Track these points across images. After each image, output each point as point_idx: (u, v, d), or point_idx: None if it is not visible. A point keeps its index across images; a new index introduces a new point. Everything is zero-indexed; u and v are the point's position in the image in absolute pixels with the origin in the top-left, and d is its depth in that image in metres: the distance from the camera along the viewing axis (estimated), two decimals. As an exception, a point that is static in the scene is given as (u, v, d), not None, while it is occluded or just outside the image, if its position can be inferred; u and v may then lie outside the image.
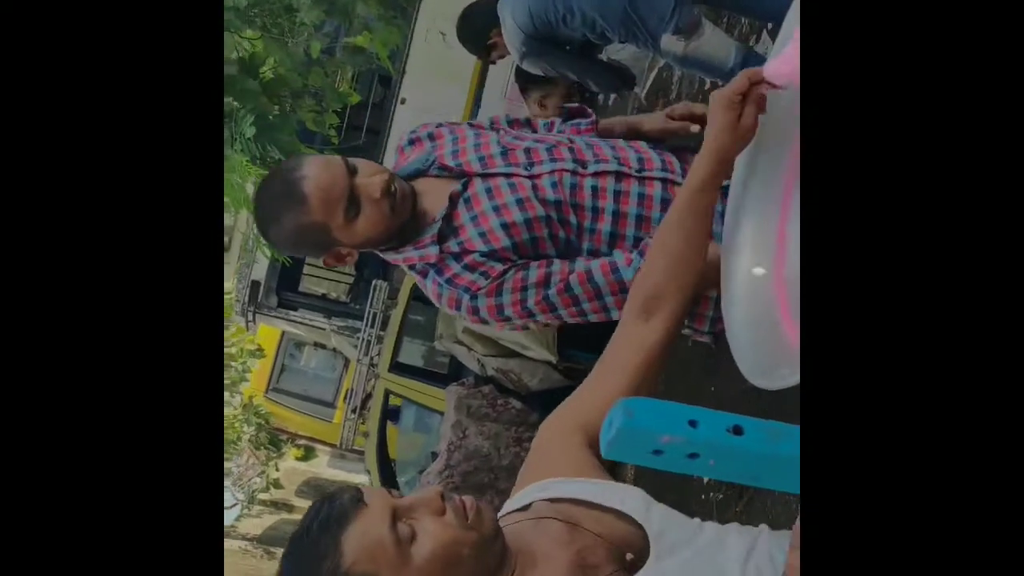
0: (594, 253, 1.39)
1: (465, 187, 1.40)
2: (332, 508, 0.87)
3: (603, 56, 2.93)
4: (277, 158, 3.21)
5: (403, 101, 6.77)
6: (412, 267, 1.42)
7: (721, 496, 3.07)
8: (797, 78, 0.96)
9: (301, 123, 3.77)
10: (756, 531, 0.92)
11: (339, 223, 1.33)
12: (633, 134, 1.56)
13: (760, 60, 2.62)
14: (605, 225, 1.39)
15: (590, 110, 1.64)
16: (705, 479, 3.26)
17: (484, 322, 1.38)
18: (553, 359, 4.47)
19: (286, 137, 3.30)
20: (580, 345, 4.37)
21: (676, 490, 3.47)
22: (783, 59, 0.96)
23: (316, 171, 1.33)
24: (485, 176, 1.40)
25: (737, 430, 0.48)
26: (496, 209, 1.37)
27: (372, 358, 5.73)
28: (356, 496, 0.88)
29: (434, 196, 1.41)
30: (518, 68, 2.98)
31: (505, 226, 1.36)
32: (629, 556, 0.88)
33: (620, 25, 2.42)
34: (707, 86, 3.53)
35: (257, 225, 1.45)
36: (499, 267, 1.35)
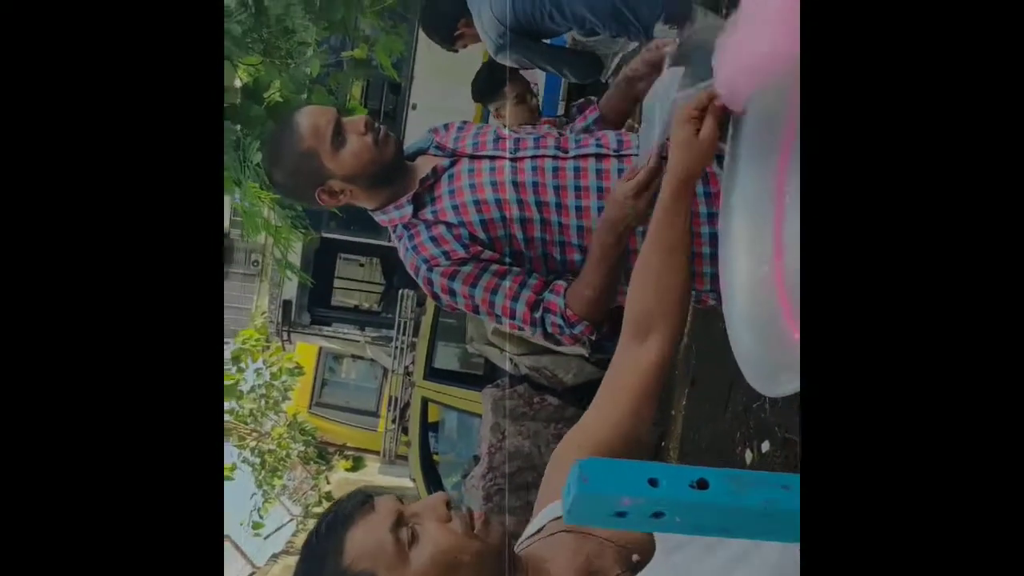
0: (581, 230, 1.47)
1: (452, 164, 1.53)
2: (340, 510, 0.90)
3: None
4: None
5: (414, 107, 6.78)
6: (395, 230, 1.53)
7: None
8: (745, 80, 0.93)
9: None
10: None
11: (327, 149, 1.46)
12: (627, 85, 1.63)
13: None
14: (592, 200, 1.47)
15: (594, 99, 1.72)
16: (748, 460, 3.22)
17: (435, 296, 1.48)
18: (585, 352, 4.45)
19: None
20: (611, 335, 4.35)
21: (721, 474, 3.44)
22: (726, 68, 0.93)
23: (308, 109, 1.53)
24: (473, 158, 1.53)
25: (702, 484, 0.46)
26: (472, 186, 1.48)
27: (407, 367, 5.75)
28: (364, 500, 0.90)
29: (426, 169, 1.54)
30: (474, 86, 2.96)
31: (477, 202, 1.47)
32: (635, 558, 0.89)
33: (611, 20, 2.38)
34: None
35: (267, 176, 1.63)
36: (461, 252, 1.45)
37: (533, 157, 1.51)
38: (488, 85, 2.90)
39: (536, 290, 1.45)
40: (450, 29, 2.66)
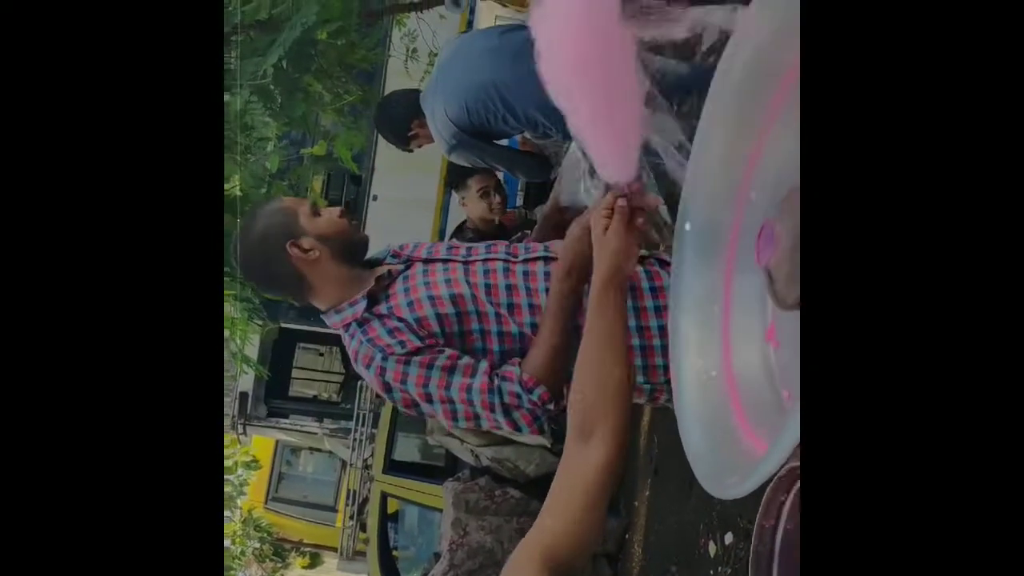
0: (536, 327, 1.48)
1: (407, 268, 1.57)
2: None
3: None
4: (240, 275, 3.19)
5: (375, 198, 6.85)
6: (347, 329, 1.52)
7: (730, 571, 2.99)
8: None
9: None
10: None
11: (306, 211, 1.54)
12: (556, 223, 1.66)
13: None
14: (543, 299, 1.49)
15: (528, 232, 1.79)
16: (712, 552, 3.18)
17: (387, 387, 1.45)
18: (547, 442, 4.40)
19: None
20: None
21: (684, 564, 3.38)
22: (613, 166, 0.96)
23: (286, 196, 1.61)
24: (426, 261, 1.58)
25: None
26: (427, 283, 1.52)
27: (366, 460, 5.64)
28: None
29: (382, 271, 1.58)
30: (449, 172, 3.04)
31: (431, 297, 1.49)
32: None
33: (563, 124, 2.44)
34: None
35: (235, 251, 1.60)
36: (417, 343, 1.45)
37: (484, 260, 1.56)
38: (459, 173, 2.95)
39: (493, 367, 1.45)
40: (404, 129, 2.70)
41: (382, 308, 1.51)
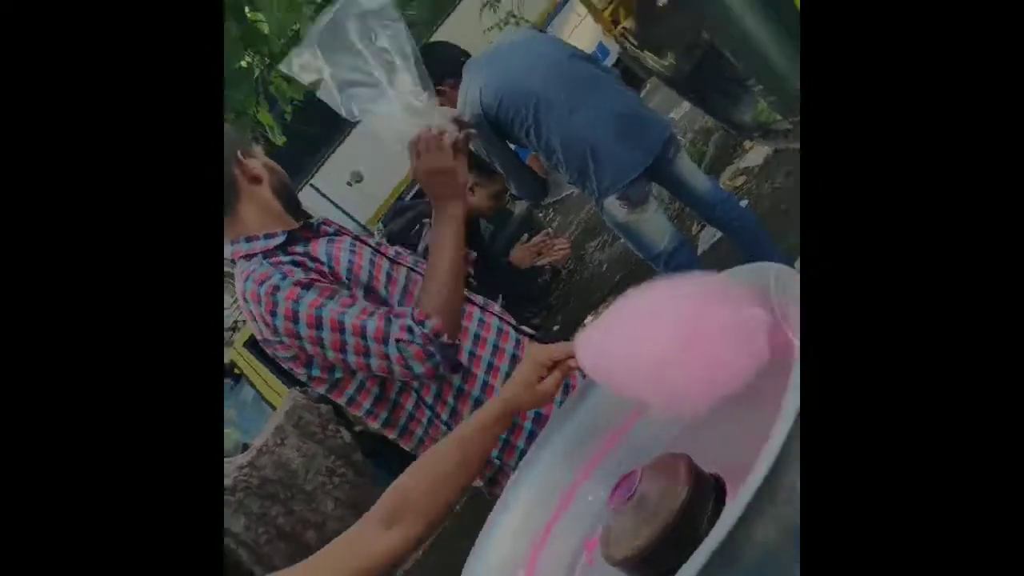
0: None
1: (336, 233, 1.54)
2: None
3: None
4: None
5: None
6: (249, 258, 1.44)
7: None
8: (608, 376, 0.93)
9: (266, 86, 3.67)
10: None
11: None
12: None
13: (689, 253, 2.65)
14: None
15: (427, 221, 1.82)
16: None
17: (273, 307, 1.36)
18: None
19: (240, 96, 3.16)
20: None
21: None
22: (597, 351, 0.93)
23: None
24: (357, 239, 1.54)
25: None
26: (351, 251, 1.48)
27: (236, 322, 5.53)
28: None
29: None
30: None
31: (351, 261, 1.45)
32: None
33: (575, 167, 2.41)
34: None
35: None
36: (319, 278, 1.40)
37: (410, 269, 1.53)
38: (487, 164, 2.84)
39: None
40: (435, 83, 2.62)
41: (297, 248, 1.44)
